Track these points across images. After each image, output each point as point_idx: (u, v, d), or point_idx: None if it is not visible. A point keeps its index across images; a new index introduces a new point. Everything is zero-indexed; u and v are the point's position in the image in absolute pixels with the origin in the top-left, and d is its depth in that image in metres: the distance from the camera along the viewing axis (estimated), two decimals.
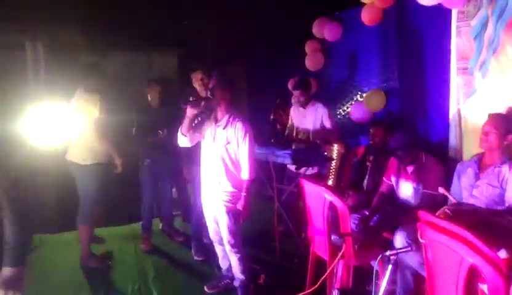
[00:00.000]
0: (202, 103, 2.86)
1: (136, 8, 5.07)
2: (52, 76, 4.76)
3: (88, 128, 3.50)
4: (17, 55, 4.89)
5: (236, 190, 2.96)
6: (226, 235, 2.99)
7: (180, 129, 2.97)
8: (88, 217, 3.60)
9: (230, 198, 2.96)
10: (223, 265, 3.25)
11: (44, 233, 4.31)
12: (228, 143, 2.90)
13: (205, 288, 3.22)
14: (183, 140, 3.00)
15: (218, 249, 3.21)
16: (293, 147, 4.16)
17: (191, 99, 2.85)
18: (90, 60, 3.90)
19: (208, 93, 2.91)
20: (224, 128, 2.91)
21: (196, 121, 2.98)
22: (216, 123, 2.95)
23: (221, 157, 2.92)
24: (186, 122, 2.92)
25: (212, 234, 3.15)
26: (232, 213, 2.96)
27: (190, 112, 2.86)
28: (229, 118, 2.93)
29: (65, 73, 4.76)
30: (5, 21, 4.31)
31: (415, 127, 3.83)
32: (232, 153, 2.93)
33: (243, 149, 2.90)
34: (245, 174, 2.94)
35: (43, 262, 3.78)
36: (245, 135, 2.88)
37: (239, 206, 2.94)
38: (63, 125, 4.19)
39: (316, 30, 5.10)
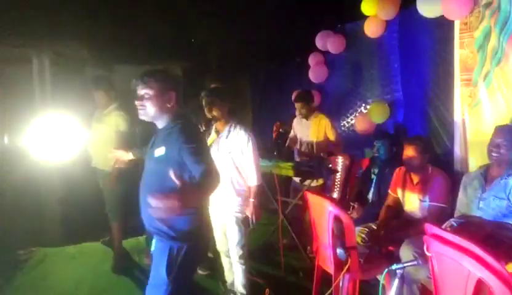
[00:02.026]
0: (212, 127, 2.95)
1: (141, 23, 5.13)
2: (58, 90, 4.80)
3: (115, 139, 3.65)
4: (24, 68, 4.94)
5: (243, 199, 2.97)
6: (233, 246, 2.98)
7: None
8: (118, 215, 3.77)
9: (238, 208, 2.96)
10: (229, 278, 3.22)
11: (47, 247, 4.30)
12: (231, 152, 2.92)
13: None
14: None
15: (224, 261, 3.19)
16: (297, 160, 4.16)
17: (202, 130, 2.91)
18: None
19: (207, 112, 2.96)
20: (226, 138, 2.95)
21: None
22: (218, 135, 2.98)
23: (225, 166, 2.93)
24: None
25: (219, 245, 3.14)
26: (242, 222, 2.96)
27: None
28: (230, 127, 2.97)
29: (71, 86, 4.82)
30: (12, 35, 4.37)
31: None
32: (237, 162, 2.94)
33: (247, 155, 2.93)
34: (251, 180, 2.96)
35: (47, 275, 3.77)
36: (247, 142, 2.92)
37: (248, 213, 2.96)
38: (68, 137, 4.23)
39: (319, 43, 5.13)
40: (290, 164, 3.85)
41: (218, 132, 3.00)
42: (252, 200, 2.96)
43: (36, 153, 4.33)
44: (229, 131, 2.96)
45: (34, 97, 4.92)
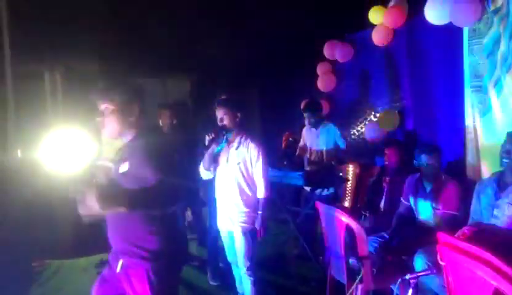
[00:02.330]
0: (222, 136, 2.91)
1: (150, 37, 5.20)
2: (70, 104, 4.87)
3: None
4: (36, 84, 5.03)
5: (252, 210, 2.96)
6: (242, 258, 2.97)
7: (202, 164, 3.00)
8: None
9: (246, 219, 2.95)
10: (240, 289, 3.21)
11: (61, 259, 4.33)
12: (242, 163, 2.92)
13: None
14: (206, 174, 3.04)
15: (236, 271, 3.18)
16: (307, 169, 4.15)
17: (211, 137, 2.89)
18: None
19: (219, 122, 2.95)
20: (236, 149, 2.95)
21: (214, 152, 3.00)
22: (229, 145, 2.98)
23: (234, 177, 2.94)
24: (208, 158, 2.94)
25: (229, 256, 3.14)
26: (249, 233, 2.95)
27: (212, 149, 2.90)
28: (241, 138, 2.97)
29: (82, 101, 4.88)
30: (25, 52, 4.45)
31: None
32: (246, 173, 2.94)
33: (257, 167, 2.92)
34: (260, 193, 2.94)
35: (60, 287, 3.80)
36: (258, 154, 2.91)
37: (256, 225, 2.94)
38: (80, 151, 4.27)
39: (327, 52, 5.15)
40: (300, 173, 3.84)
41: (228, 142, 3.00)
42: (260, 212, 2.93)
43: (48, 166, 4.40)
44: (239, 143, 2.96)
45: (46, 111, 5.01)
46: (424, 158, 2.92)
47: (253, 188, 2.97)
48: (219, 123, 2.95)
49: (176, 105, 4.47)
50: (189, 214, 4.72)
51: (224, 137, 2.94)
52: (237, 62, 5.80)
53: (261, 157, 2.92)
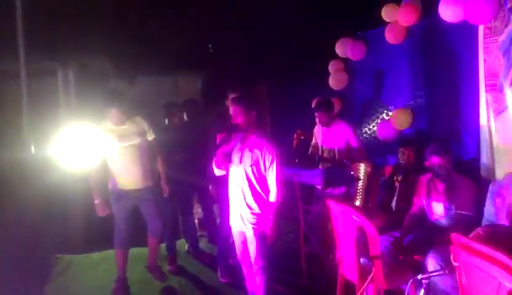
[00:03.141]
0: (233, 135, 2.92)
1: (161, 35, 5.22)
2: (82, 101, 4.92)
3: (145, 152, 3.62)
4: (49, 81, 5.09)
5: (263, 212, 2.94)
6: (253, 256, 2.97)
7: (214, 163, 3.00)
8: (157, 231, 3.72)
9: (257, 220, 2.93)
10: (250, 287, 3.20)
11: (72, 254, 4.38)
12: (254, 165, 2.89)
13: None
14: (219, 171, 3.04)
15: (244, 270, 3.17)
16: (319, 167, 4.13)
17: (223, 136, 2.89)
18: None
19: (233, 121, 2.92)
20: (250, 150, 2.91)
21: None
22: (243, 144, 2.96)
23: (247, 178, 2.91)
24: (221, 157, 2.95)
25: (240, 256, 3.13)
26: (260, 235, 2.93)
27: (224, 148, 2.91)
28: (255, 139, 2.93)
29: (95, 98, 4.93)
30: (38, 49, 4.50)
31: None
32: (259, 175, 2.91)
33: (271, 172, 2.88)
34: (272, 197, 2.92)
35: (72, 282, 3.85)
36: (272, 158, 2.87)
37: (267, 230, 2.92)
38: (93, 147, 4.31)
39: (339, 50, 5.12)
40: (311, 172, 3.83)
41: (242, 141, 2.97)
42: (271, 217, 2.91)
43: (61, 162, 4.45)
44: (254, 143, 2.92)
45: (59, 108, 5.06)
46: (435, 159, 2.88)
47: (266, 191, 2.94)
48: (233, 122, 2.92)
49: (186, 103, 4.49)
50: (199, 211, 4.73)
51: (238, 136, 2.92)
52: (248, 60, 5.79)
53: (275, 161, 2.88)
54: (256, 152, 2.89)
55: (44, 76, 5.05)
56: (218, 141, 2.94)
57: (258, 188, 2.93)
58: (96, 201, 3.51)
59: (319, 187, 3.99)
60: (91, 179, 3.53)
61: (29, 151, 4.42)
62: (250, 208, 2.94)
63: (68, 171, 4.49)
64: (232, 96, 3.76)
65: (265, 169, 2.90)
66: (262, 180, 2.92)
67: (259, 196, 2.94)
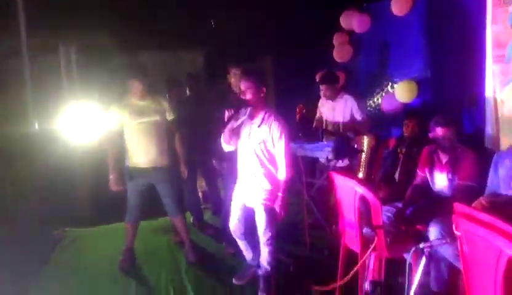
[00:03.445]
0: (242, 111, 2.88)
1: (164, 9, 5.15)
2: (84, 78, 4.91)
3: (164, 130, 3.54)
4: (50, 58, 5.07)
5: (273, 188, 2.94)
6: (262, 230, 2.99)
7: (222, 138, 2.98)
8: (179, 208, 3.66)
9: (267, 196, 2.94)
10: (247, 255, 3.25)
11: (80, 227, 4.46)
12: (263, 142, 2.87)
13: (233, 280, 3.23)
14: (227, 147, 3.03)
15: (239, 243, 3.19)
16: (323, 141, 4.14)
17: (231, 113, 2.85)
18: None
19: (242, 96, 2.88)
20: (259, 126, 2.88)
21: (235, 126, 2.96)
22: (251, 120, 2.93)
23: (256, 155, 2.90)
24: (228, 134, 2.92)
25: (234, 228, 3.12)
26: (269, 210, 2.95)
27: (232, 124, 2.88)
28: (264, 115, 2.89)
29: (97, 74, 4.92)
30: (39, 26, 4.47)
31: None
32: (267, 152, 2.90)
33: (279, 148, 2.86)
34: (281, 174, 2.90)
35: (80, 254, 3.93)
36: (280, 135, 2.84)
37: (276, 207, 2.92)
38: (95, 122, 4.33)
39: (343, 22, 5.05)
40: (315, 145, 3.84)
41: (251, 117, 2.93)
42: (280, 194, 2.90)
43: (65, 138, 4.48)
44: (262, 120, 2.88)
45: (61, 84, 5.06)
46: (439, 131, 2.87)
47: (275, 167, 2.93)
48: (241, 97, 2.88)
49: (187, 78, 4.47)
50: (203, 184, 4.78)
51: (246, 112, 2.88)
52: (251, 33, 5.72)
53: (283, 137, 2.85)
54: (264, 128, 2.87)
55: (46, 53, 5.03)
56: (226, 117, 2.91)
57: (267, 164, 2.92)
58: (110, 176, 3.46)
59: (322, 160, 4.01)
60: (108, 153, 3.47)
61: (33, 127, 4.45)
62: (259, 183, 2.94)
63: (72, 146, 4.54)
64: (233, 70, 3.74)
65: (273, 146, 2.88)
66: (271, 156, 2.91)
67: (268, 172, 2.93)
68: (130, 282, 3.34)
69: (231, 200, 3.23)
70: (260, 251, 3.14)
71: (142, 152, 3.42)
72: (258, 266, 3.19)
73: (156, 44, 5.53)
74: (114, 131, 3.44)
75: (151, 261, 3.71)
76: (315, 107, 4.46)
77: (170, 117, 3.54)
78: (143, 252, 3.82)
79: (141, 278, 3.42)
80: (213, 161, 3.91)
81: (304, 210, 3.90)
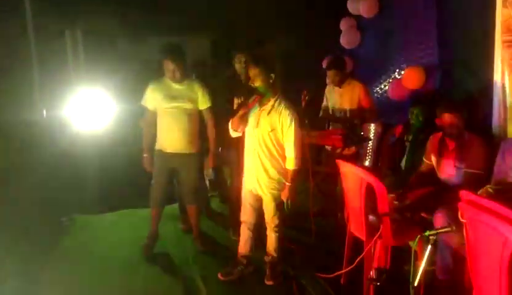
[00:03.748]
0: (251, 98, 2.84)
1: None
2: (91, 62, 4.90)
3: (201, 117, 3.49)
4: (57, 42, 5.06)
5: (280, 177, 2.93)
6: (270, 217, 3.01)
7: (230, 124, 2.96)
8: (196, 196, 3.63)
9: (276, 186, 2.94)
10: (242, 250, 3.20)
11: (88, 214, 4.51)
12: (272, 130, 2.84)
13: (219, 276, 3.14)
14: (235, 134, 3.00)
15: (244, 232, 3.16)
16: (329, 128, 4.12)
17: (240, 100, 2.83)
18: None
19: (250, 82, 2.84)
20: (268, 114, 2.85)
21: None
22: (260, 107, 2.89)
23: (264, 143, 2.88)
24: (237, 120, 2.88)
25: (246, 216, 3.13)
26: (277, 199, 2.95)
27: (242, 111, 2.85)
28: (274, 103, 2.86)
29: (104, 59, 4.91)
30: (45, 9, 4.46)
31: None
32: (276, 141, 2.88)
33: (288, 137, 2.83)
34: (290, 164, 2.87)
35: (88, 241, 3.97)
36: (290, 123, 2.81)
37: (283, 197, 2.92)
38: (103, 109, 4.33)
39: (351, 7, 4.98)
40: (321, 133, 3.83)
41: (260, 104, 2.89)
42: (288, 184, 2.89)
43: (73, 124, 4.50)
44: (272, 107, 2.84)
45: (68, 69, 5.07)
46: (447, 117, 2.84)
47: (283, 156, 2.91)
48: (250, 84, 2.85)
49: (194, 64, 4.44)
50: (210, 172, 4.80)
51: (256, 99, 2.84)
52: (258, 19, 5.67)
53: (293, 126, 2.81)
54: (274, 116, 2.83)
55: (51, 37, 5.02)
56: (236, 104, 2.89)
57: (275, 153, 2.90)
58: (144, 155, 3.47)
59: (329, 147, 4.00)
60: (143, 132, 3.48)
61: (41, 113, 4.47)
62: (267, 172, 2.92)
63: (80, 132, 4.56)
64: (239, 56, 3.72)
65: (283, 135, 2.85)
66: (279, 145, 2.89)
67: (276, 161, 2.91)
68: (138, 269, 3.38)
69: (237, 189, 3.24)
70: (252, 249, 3.16)
71: (170, 137, 3.41)
72: (247, 265, 3.18)
73: (163, 28, 5.50)
74: (149, 110, 3.43)
75: (159, 248, 3.75)
76: (322, 94, 4.43)
77: (204, 105, 3.44)
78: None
79: (148, 265, 3.46)
80: (219, 149, 3.92)
81: (310, 198, 3.91)
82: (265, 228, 3.12)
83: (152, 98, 3.39)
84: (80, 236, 4.08)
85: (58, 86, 4.62)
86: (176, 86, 3.37)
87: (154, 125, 3.45)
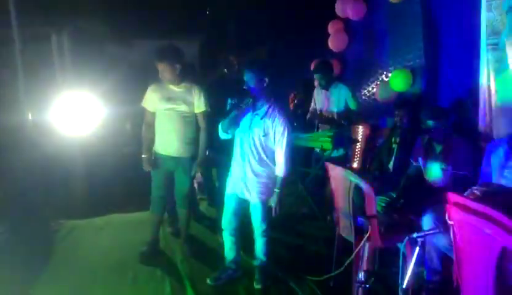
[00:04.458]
0: (245, 101, 2.81)
1: None
2: (77, 66, 4.85)
3: (197, 121, 3.43)
4: (43, 46, 5.00)
5: (269, 182, 2.91)
6: (257, 222, 2.99)
7: (221, 126, 2.93)
8: (188, 200, 3.57)
9: (264, 189, 2.91)
10: (229, 255, 3.18)
11: (75, 219, 4.45)
12: (265, 135, 2.82)
13: (208, 281, 3.10)
14: (225, 135, 2.96)
15: (227, 239, 3.14)
16: (318, 130, 4.14)
17: (233, 102, 2.80)
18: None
19: (245, 86, 2.82)
20: (261, 118, 2.83)
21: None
22: (253, 111, 2.87)
23: (256, 147, 2.86)
24: (229, 122, 2.86)
25: (227, 223, 3.09)
26: (264, 204, 2.93)
27: (234, 113, 2.82)
28: (268, 108, 2.84)
29: (90, 63, 4.86)
30: (32, 13, 4.40)
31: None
32: (268, 145, 2.86)
33: (280, 143, 2.81)
34: (280, 171, 2.86)
35: (76, 246, 3.91)
36: (283, 130, 2.80)
37: (272, 202, 2.90)
38: (90, 112, 4.28)
39: (339, 9, 5.00)
40: (310, 135, 3.84)
41: (254, 108, 2.87)
42: (276, 190, 2.87)
43: (59, 128, 4.44)
44: (266, 112, 2.82)
45: (54, 73, 5.01)
46: (430, 123, 2.88)
47: (273, 161, 2.89)
48: (244, 87, 2.82)
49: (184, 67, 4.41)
50: (198, 175, 4.77)
51: (248, 102, 2.81)
52: (247, 22, 5.68)
53: (286, 135, 2.80)
54: (267, 121, 2.82)
55: (38, 41, 4.96)
56: (229, 105, 2.87)
57: (265, 158, 2.88)
58: (143, 156, 3.42)
59: (318, 149, 4.01)
60: (142, 133, 3.44)
61: (26, 117, 4.41)
62: (256, 176, 2.90)
63: (66, 136, 4.50)
64: (231, 58, 3.71)
65: (274, 141, 2.84)
66: (270, 150, 2.87)
67: (268, 167, 2.90)
68: (126, 273, 3.34)
69: (225, 191, 3.21)
70: (240, 253, 3.15)
71: (165, 140, 3.38)
72: (236, 270, 3.17)
73: (151, 32, 5.47)
74: (148, 111, 3.39)
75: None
76: (310, 96, 4.45)
77: (199, 109, 3.37)
78: (138, 243, 3.81)
79: (137, 268, 3.42)
80: (207, 152, 3.89)
81: (298, 200, 3.91)
82: (252, 232, 3.09)
83: (151, 99, 3.37)
84: (68, 241, 4.01)
85: (44, 90, 4.56)
86: (174, 88, 3.34)
87: (153, 126, 3.42)
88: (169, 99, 3.31)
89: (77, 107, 4.38)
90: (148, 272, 3.36)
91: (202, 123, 3.42)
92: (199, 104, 3.36)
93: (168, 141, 3.38)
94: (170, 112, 3.32)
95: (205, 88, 4.04)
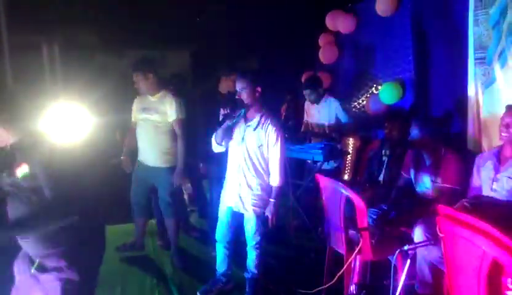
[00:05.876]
0: (237, 112, 2.79)
1: (150, 9, 5.10)
2: (68, 76, 4.82)
3: (173, 130, 3.42)
4: (34, 55, 4.96)
5: (264, 193, 2.88)
6: (251, 234, 2.96)
7: (214, 138, 2.90)
8: (174, 210, 3.58)
9: (258, 202, 2.89)
10: (220, 268, 3.15)
11: None
12: (260, 146, 2.80)
13: (198, 294, 3.07)
14: (218, 147, 2.93)
15: (220, 251, 3.11)
16: (310, 142, 4.15)
17: (226, 112, 2.77)
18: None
19: (237, 96, 2.80)
20: (254, 129, 2.81)
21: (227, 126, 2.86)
22: (246, 122, 2.85)
23: (249, 158, 2.83)
24: (222, 132, 2.82)
25: (221, 235, 3.06)
26: (259, 216, 2.91)
27: (226, 124, 2.79)
28: (260, 118, 2.82)
29: (81, 73, 4.83)
30: (22, 22, 4.37)
31: (432, 119, 3.77)
32: (262, 157, 2.84)
33: (274, 154, 2.80)
34: (274, 181, 2.84)
35: None
36: (276, 140, 2.78)
37: (267, 213, 2.87)
38: (79, 123, 4.23)
39: (329, 23, 5.05)
40: (301, 146, 3.85)
41: (246, 119, 2.85)
42: (272, 200, 2.85)
43: (49, 138, 4.38)
44: (258, 123, 2.80)
45: (44, 82, 4.96)
46: (417, 136, 2.90)
47: (267, 172, 2.87)
48: (236, 97, 2.80)
49: (173, 77, 4.41)
50: (189, 186, 4.74)
51: (241, 112, 2.80)
52: (237, 33, 5.71)
53: (279, 144, 2.79)
54: (261, 131, 2.80)
55: (28, 50, 4.93)
56: (221, 115, 2.85)
57: (260, 169, 2.85)
58: (122, 157, 3.58)
59: (309, 161, 4.02)
60: (126, 139, 3.61)
61: None
62: (250, 188, 2.87)
63: (55, 147, 4.44)
64: (223, 68, 3.73)
65: (268, 151, 2.82)
66: (264, 161, 2.85)
67: (262, 178, 2.87)
68: (115, 286, 3.29)
69: (217, 203, 3.19)
70: (231, 266, 3.13)
71: (143, 150, 3.48)
72: (226, 282, 3.15)
73: (142, 42, 5.47)
74: (132, 122, 3.53)
75: (137, 264, 3.66)
76: (301, 108, 4.47)
77: (172, 118, 3.36)
78: (128, 255, 3.77)
79: (126, 281, 3.37)
80: (200, 165, 3.88)
81: (290, 212, 3.90)
82: (245, 245, 3.07)
83: (133, 110, 3.51)
84: None
85: (33, 98, 4.51)
86: (150, 98, 3.42)
87: (134, 134, 3.55)
88: (144, 109, 3.40)
89: (67, 117, 4.33)
90: (136, 285, 3.32)
91: (178, 132, 3.42)
92: (171, 112, 3.38)
93: (146, 151, 3.48)
94: (145, 122, 3.41)
95: (197, 98, 4.06)
